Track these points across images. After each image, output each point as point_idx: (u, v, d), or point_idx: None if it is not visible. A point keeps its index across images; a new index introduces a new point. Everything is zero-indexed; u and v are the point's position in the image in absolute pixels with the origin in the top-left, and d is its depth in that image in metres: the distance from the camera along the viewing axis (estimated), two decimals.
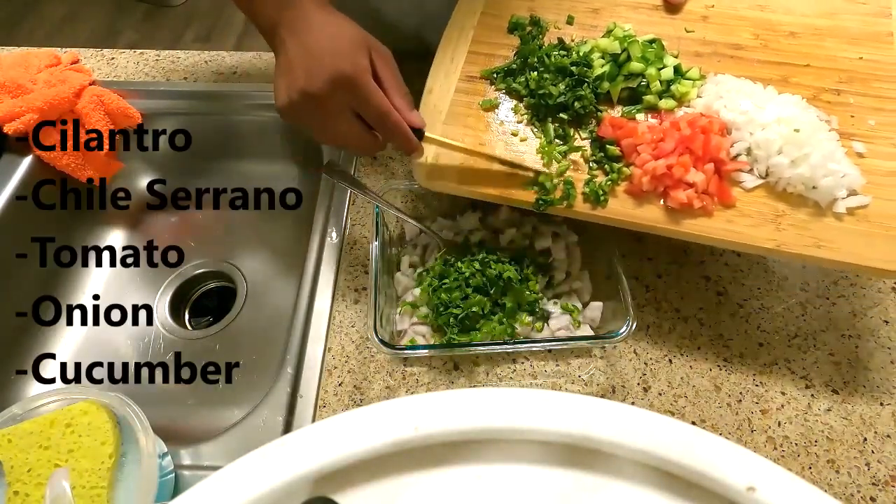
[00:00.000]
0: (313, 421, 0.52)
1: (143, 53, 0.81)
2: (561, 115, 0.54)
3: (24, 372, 0.66)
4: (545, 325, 0.54)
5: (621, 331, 0.49)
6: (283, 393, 0.52)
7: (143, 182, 0.81)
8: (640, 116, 0.53)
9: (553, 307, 0.55)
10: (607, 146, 0.52)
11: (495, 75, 0.57)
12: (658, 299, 0.57)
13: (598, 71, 0.54)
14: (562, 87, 0.54)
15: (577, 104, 0.53)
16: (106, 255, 0.76)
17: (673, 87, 0.53)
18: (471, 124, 0.54)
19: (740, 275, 0.59)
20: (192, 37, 2.20)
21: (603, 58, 0.55)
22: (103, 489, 0.42)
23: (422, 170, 0.54)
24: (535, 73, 0.55)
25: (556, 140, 0.53)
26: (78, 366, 0.67)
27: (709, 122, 0.50)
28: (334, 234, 0.63)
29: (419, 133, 0.50)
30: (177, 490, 0.48)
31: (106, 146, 0.69)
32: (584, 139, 0.53)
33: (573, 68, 0.54)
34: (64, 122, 0.68)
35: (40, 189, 0.69)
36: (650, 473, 0.24)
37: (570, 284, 0.57)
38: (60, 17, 2.26)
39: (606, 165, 0.51)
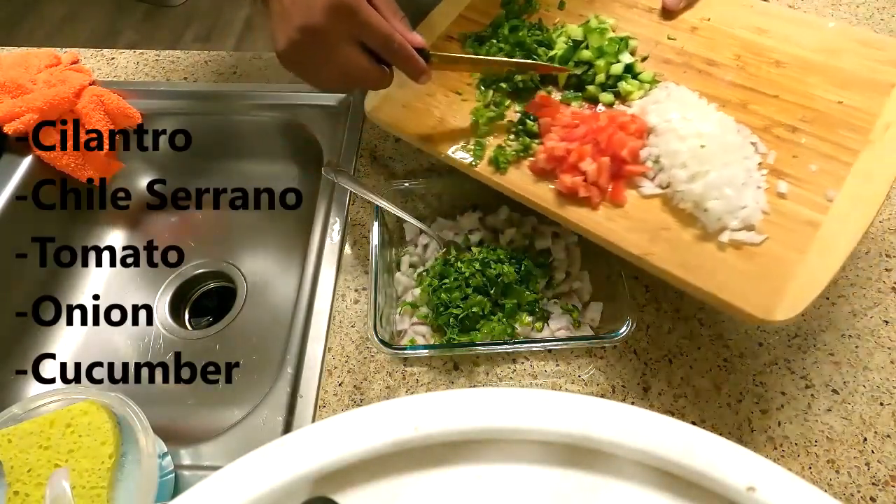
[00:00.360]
0: (313, 421, 0.52)
1: (143, 53, 0.81)
2: (502, 84, 0.56)
3: (24, 372, 0.66)
4: (545, 325, 0.54)
5: (621, 331, 0.49)
6: (283, 393, 0.52)
7: (143, 182, 0.81)
8: (575, 104, 0.54)
9: (553, 307, 0.55)
10: (528, 121, 0.53)
11: (467, 38, 0.60)
12: (658, 299, 0.57)
13: (553, 53, 0.56)
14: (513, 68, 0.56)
15: (517, 77, 0.55)
16: (106, 255, 0.76)
17: (619, 84, 0.54)
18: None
19: None
20: (192, 37, 2.20)
21: (566, 43, 0.56)
22: (103, 489, 0.42)
23: (373, 99, 0.58)
24: (496, 41, 0.57)
25: (492, 106, 0.55)
26: (78, 366, 0.67)
27: (629, 120, 0.49)
28: (334, 235, 0.63)
29: (424, 55, 0.50)
30: (177, 490, 0.48)
31: (106, 146, 0.69)
32: (517, 112, 0.55)
33: (531, 44, 0.56)
34: (64, 122, 0.68)
35: (40, 189, 0.69)
36: (650, 473, 0.24)
37: (570, 284, 0.57)
38: (60, 17, 2.26)
39: (521, 138, 0.52)
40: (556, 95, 0.55)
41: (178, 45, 2.15)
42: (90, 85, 0.70)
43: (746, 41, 0.54)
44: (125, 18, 2.25)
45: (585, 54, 0.55)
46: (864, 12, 0.83)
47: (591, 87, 0.54)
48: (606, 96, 0.54)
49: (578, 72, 0.55)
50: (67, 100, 0.67)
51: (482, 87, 0.57)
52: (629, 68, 0.54)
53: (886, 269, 0.59)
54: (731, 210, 0.45)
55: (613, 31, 0.57)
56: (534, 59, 0.56)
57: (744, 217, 0.45)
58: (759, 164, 0.47)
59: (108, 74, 0.79)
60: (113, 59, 0.81)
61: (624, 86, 0.53)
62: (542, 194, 0.50)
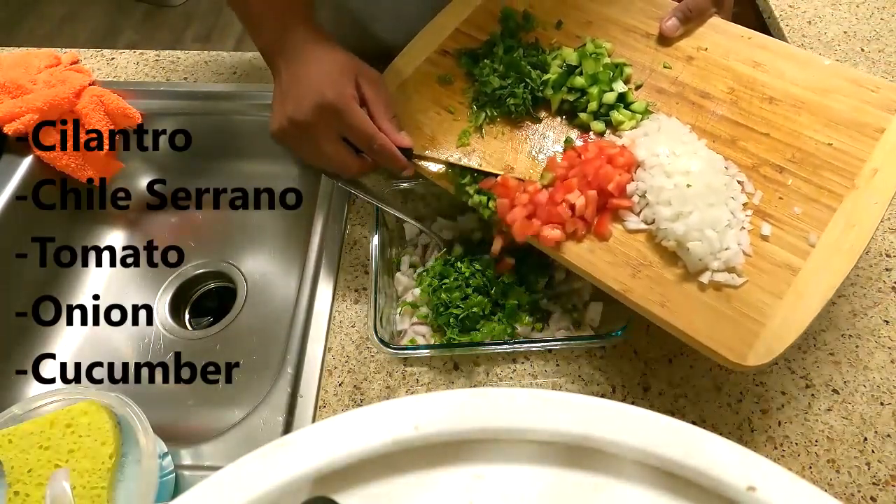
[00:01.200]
0: (313, 421, 0.52)
1: (143, 54, 0.81)
2: (488, 107, 0.55)
3: (24, 372, 0.66)
4: (545, 325, 0.54)
5: (621, 331, 0.49)
6: (284, 393, 0.52)
7: (143, 182, 0.81)
8: (573, 133, 0.54)
9: (553, 307, 0.55)
10: (487, 205, 0.52)
11: (462, 55, 0.59)
12: None
13: (547, 77, 0.55)
14: (504, 81, 0.55)
15: (510, 100, 0.54)
16: (106, 255, 0.76)
17: (611, 113, 0.52)
18: (420, 91, 0.57)
19: None
20: (191, 37, 2.20)
21: (561, 67, 0.55)
22: (103, 489, 0.42)
23: (395, 79, 0.58)
24: (489, 62, 0.56)
25: (486, 124, 0.55)
26: (78, 366, 0.67)
27: (617, 153, 0.48)
28: (334, 235, 0.63)
29: (408, 153, 0.52)
30: (177, 490, 0.48)
31: (106, 146, 0.69)
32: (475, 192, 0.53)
33: (524, 67, 0.55)
34: (64, 123, 0.68)
35: (40, 189, 0.69)
36: (650, 473, 0.24)
37: (570, 284, 0.57)
38: (60, 18, 2.26)
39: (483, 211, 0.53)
40: (548, 120, 0.55)
41: (178, 45, 2.15)
42: (90, 85, 0.70)
43: (741, 74, 0.53)
44: (125, 18, 2.25)
45: (579, 81, 0.54)
46: (864, 12, 0.83)
47: (582, 115, 0.53)
48: (598, 125, 0.53)
49: (571, 98, 0.54)
50: (67, 100, 0.67)
51: (474, 107, 0.56)
52: (622, 97, 0.53)
53: (886, 269, 0.59)
54: (712, 251, 0.45)
55: (609, 56, 0.56)
56: (525, 83, 0.54)
57: (726, 259, 0.45)
58: (745, 204, 0.47)
59: (108, 74, 0.79)
60: (113, 59, 0.81)
61: (616, 115, 0.52)
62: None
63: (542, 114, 0.55)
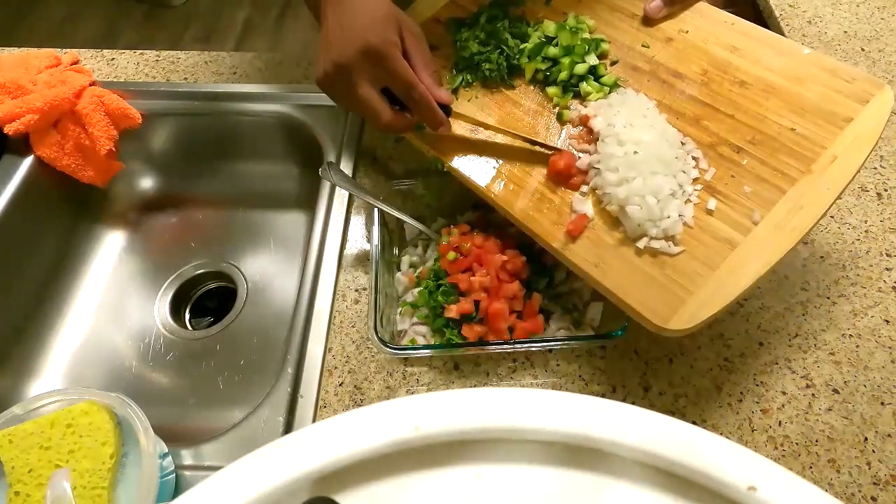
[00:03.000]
0: (314, 421, 0.52)
1: (144, 54, 0.81)
2: (466, 72, 0.58)
3: (25, 372, 0.66)
4: (545, 325, 0.54)
5: (621, 331, 0.49)
6: (284, 393, 0.52)
7: (144, 182, 0.81)
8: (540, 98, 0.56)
9: (553, 307, 0.55)
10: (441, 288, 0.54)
11: (451, 23, 0.61)
12: None
13: (524, 46, 0.57)
14: (482, 48, 0.57)
15: (485, 66, 0.57)
16: (106, 256, 0.76)
17: (580, 84, 0.55)
18: None
19: None
20: (191, 37, 2.20)
21: (540, 39, 0.57)
22: (104, 489, 0.42)
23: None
24: (473, 29, 0.59)
25: (462, 87, 0.58)
26: (78, 366, 0.67)
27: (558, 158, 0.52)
28: (335, 235, 0.63)
29: (447, 110, 0.53)
30: (177, 490, 0.48)
31: (106, 147, 0.69)
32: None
33: (503, 35, 0.57)
34: (64, 123, 0.68)
35: (41, 190, 0.69)
36: (651, 473, 0.24)
37: (570, 284, 0.57)
38: (60, 18, 2.26)
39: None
40: (521, 88, 0.58)
41: (179, 45, 2.15)
42: (90, 85, 0.70)
43: (716, 58, 0.54)
44: (125, 19, 2.25)
45: (552, 51, 0.56)
46: (864, 12, 0.83)
47: (550, 89, 0.56)
48: (565, 98, 0.55)
49: (544, 67, 0.56)
50: (68, 100, 0.67)
51: (454, 72, 0.59)
52: (593, 70, 0.55)
53: (887, 269, 0.59)
54: (651, 218, 0.46)
55: (591, 33, 0.58)
56: (501, 50, 0.57)
57: (665, 227, 0.46)
58: (696, 179, 0.48)
59: (109, 75, 0.79)
60: (113, 59, 0.81)
61: (584, 86, 0.55)
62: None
63: (517, 81, 0.58)
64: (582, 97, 0.55)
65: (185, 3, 2.30)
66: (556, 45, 0.56)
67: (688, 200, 0.47)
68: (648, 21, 0.57)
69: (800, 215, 0.45)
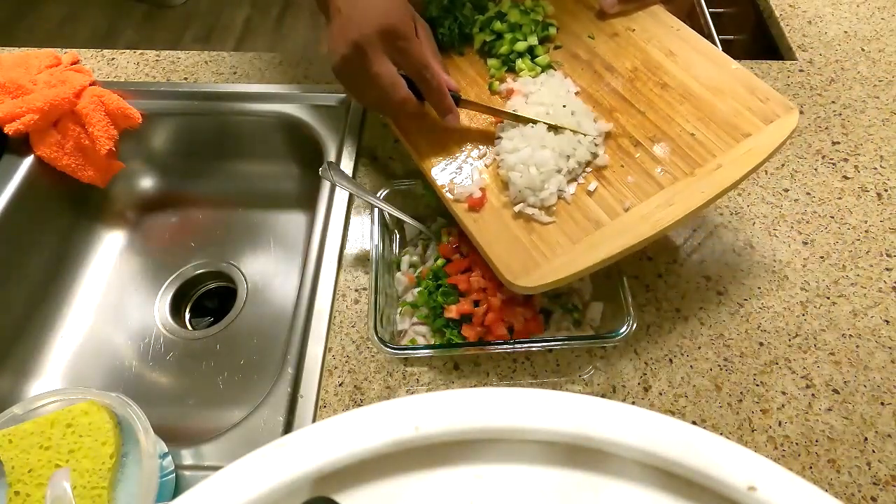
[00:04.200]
0: (314, 421, 0.52)
1: (144, 54, 0.81)
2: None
3: (25, 372, 0.66)
4: (545, 325, 0.54)
5: (621, 331, 0.49)
6: (284, 393, 0.52)
7: (144, 182, 0.81)
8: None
9: (553, 307, 0.55)
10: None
11: None
12: (658, 299, 0.57)
13: (477, 17, 0.61)
14: (441, 13, 0.61)
15: (439, 30, 0.60)
16: (106, 255, 0.76)
17: (517, 61, 0.59)
18: None
19: (741, 274, 0.59)
20: (191, 37, 2.20)
21: (495, 13, 0.61)
22: (104, 489, 0.42)
23: None
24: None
25: None
26: (78, 366, 0.67)
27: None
28: (335, 235, 0.63)
29: (455, 100, 0.54)
30: (177, 490, 0.48)
31: (106, 147, 0.69)
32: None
33: (459, 4, 0.61)
34: (64, 123, 0.68)
35: (41, 189, 0.69)
36: (650, 473, 0.24)
37: (570, 284, 0.57)
38: (60, 18, 2.26)
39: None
40: (469, 56, 0.61)
41: (179, 45, 2.15)
42: (90, 85, 0.70)
43: (650, 59, 0.57)
44: (125, 19, 2.25)
45: (499, 26, 0.60)
46: (864, 12, 0.83)
47: (490, 60, 0.60)
48: (500, 72, 0.59)
49: (489, 39, 0.60)
50: (68, 100, 0.67)
51: None
52: (532, 49, 0.59)
53: (887, 269, 0.59)
54: (530, 187, 0.50)
55: (546, 17, 0.61)
56: (459, 19, 0.60)
57: (542, 198, 0.50)
58: (588, 162, 0.53)
59: (109, 75, 0.79)
60: (113, 59, 0.81)
61: (520, 63, 0.59)
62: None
63: (467, 50, 0.62)
64: (515, 72, 0.59)
65: (185, 3, 2.30)
66: (505, 21, 0.60)
67: (573, 179, 0.52)
68: (602, 15, 0.60)
69: (667, 211, 0.48)
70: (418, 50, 0.51)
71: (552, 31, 0.61)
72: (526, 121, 0.54)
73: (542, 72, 0.58)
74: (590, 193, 0.51)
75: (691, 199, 0.48)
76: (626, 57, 0.57)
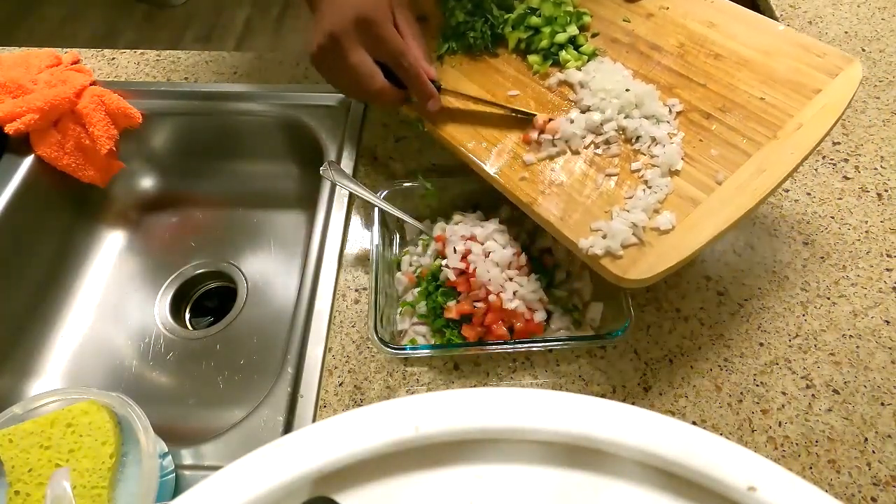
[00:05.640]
0: (314, 421, 0.52)
1: (144, 53, 0.81)
2: (452, 40, 0.60)
3: (25, 371, 0.66)
4: (545, 325, 0.54)
5: (621, 331, 0.49)
6: (284, 393, 0.52)
7: (144, 182, 0.81)
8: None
9: (553, 307, 0.55)
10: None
11: None
12: (658, 299, 0.57)
13: (508, 16, 0.60)
14: (468, 17, 0.60)
15: (470, 34, 0.59)
16: (106, 255, 0.76)
17: (560, 52, 0.58)
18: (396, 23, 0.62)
19: (741, 274, 0.59)
20: (192, 37, 2.20)
21: (525, 10, 0.60)
22: (104, 489, 0.42)
23: None
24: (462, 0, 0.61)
25: (447, 55, 0.61)
26: (78, 366, 0.67)
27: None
28: (335, 234, 0.63)
29: (437, 87, 0.54)
30: (177, 490, 0.48)
31: (107, 146, 0.69)
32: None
33: (488, 4, 0.60)
34: (65, 123, 0.68)
35: (41, 189, 0.69)
36: (651, 473, 0.24)
37: (570, 284, 0.57)
38: (60, 18, 2.26)
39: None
40: (504, 56, 0.60)
41: (179, 45, 2.15)
42: (91, 85, 0.70)
43: (693, 32, 0.56)
44: (125, 19, 2.25)
45: (534, 20, 0.59)
46: (864, 12, 0.83)
47: (531, 57, 0.58)
48: (544, 66, 0.57)
49: (525, 36, 0.59)
50: (68, 100, 0.67)
51: (441, 40, 0.62)
52: (573, 40, 0.58)
53: (887, 269, 0.59)
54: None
55: (575, 7, 0.60)
56: (489, 20, 0.59)
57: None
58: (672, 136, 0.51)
59: (109, 74, 0.79)
60: (113, 59, 0.81)
61: (564, 54, 0.57)
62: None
63: (500, 50, 0.61)
64: (561, 65, 0.57)
65: (185, 3, 2.30)
66: (539, 15, 0.59)
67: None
68: None
69: (762, 177, 0.46)
70: (393, 37, 0.51)
71: (587, 19, 0.60)
72: (509, 110, 0.54)
73: (589, 60, 0.57)
74: (677, 173, 0.48)
75: (783, 162, 0.46)
76: (669, 34, 0.57)
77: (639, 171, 0.50)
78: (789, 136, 0.48)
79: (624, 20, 0.59)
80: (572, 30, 0.58)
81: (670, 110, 0.52)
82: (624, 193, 0.49)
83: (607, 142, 0.52)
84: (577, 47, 0.58)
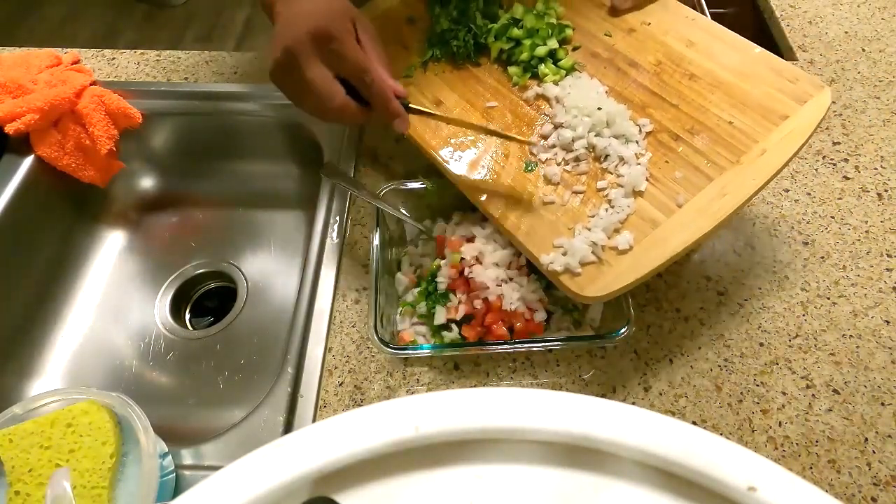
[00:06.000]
0: (314, 421, 0.52)
1: (144, 54, 0.81)
2: (437, 47, 0.61)
3: (25, 371, 0.66)
4: (545, 325, 0.54)
5: (621, 331, 0.49)
6: (284, 393, 0.52)
7: (144, 182, 0.81)
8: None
9: (553, 307, 0.55)
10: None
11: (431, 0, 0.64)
12: (658, 299, 0.57)
13: (491, 26, 0.60)
14: (453, 25, 0.60)
15: (454, 42, 0.60)
16: (106, 255, 0.76)
17: (539, 66, 0.58)
18: (387, 27, 0.63)
19: (741, 274, 0.59)
20: (192, 37, 2.20)
21: (508, 21, 0.60)
22: (104, 489, 0.42)
23: (369, 14, 0.62)
24: (447, 6, 0.61)
25: (431, 62, 0.61)
26: (78, 366, 0.67)
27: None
28: (335, 235, 0.63)
29: (403, 105, 0.51)
30: (177, 490, 0.48)
31: (107, 146, 0.69)
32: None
33: (472, 13, 0.60)
34: (65, 123, 0.68)
35: (41, 189, 0.69)
36: (651, 473, 0.24)
37: None
38: (61, 18, 2.26)
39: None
40: (486, 66, 0.61)
41: (179, 45, 2.15)
42: (91, 85, 0.70)
43: (672, 50, 0.56)
44: (125, 19, 2.25)
45: (516, 32, 0.59)
46: (864, 12, 0.83)
47: (511, 68, 0.59)
48: (523, 78, 0.58)
49: (507, 47, 0.59)
50: (68, 100, 0.67)
51: (426, 46, 0.62)
52: (553, 53, 0.58)
53: (887, 269, 0.59)
54: None
55: (559, 19, 0.61)
56: (469, 28, 0.60)
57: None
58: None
59: (109, 74, 0.79)
60: (114, 59, 0.81)
61: (542, 68, 0.58)
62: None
63: (483, 60, 0.61)
64: (540, 78, 0.58)
65: (185, 3, 2.30)
66: (521, 27, 0.59)
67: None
68: (615, 11, 0.60)
69: (722, 201, 0.47)
70: (353, 51, 0.48)
71: (569, 32, 0.60)
72: (480, 130, 0.53)
73: (567, 74, 0.57)
74: (640, 194, 0.49)
75: (744, 186, 0.47)
76: (648, 51, 0.57)
77: (604, 189, 0.50)
78: (752, 161, 0.48)
79: (606, 34, 0.59)
80: (552, 43, 0.58)
81: (640, 130, 0.53)
82: (588, 211, 0.50)
83: (577, 159, 0.52)
84: (556, 61, 0.58)
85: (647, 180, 0.50)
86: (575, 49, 0.60)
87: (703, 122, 0.51)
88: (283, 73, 0.49)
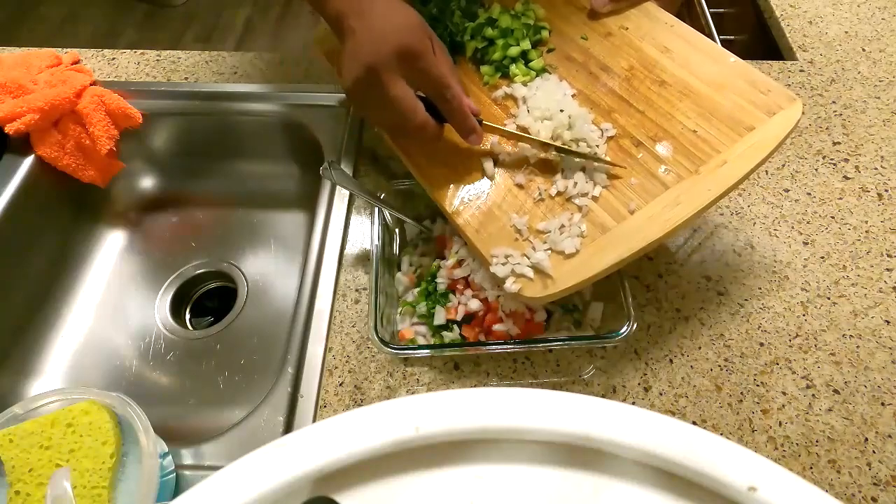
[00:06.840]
0: (314, 421, 0.52)
1: (144, 53, 0.81)
2: None
3: (25, 371, 0.66)
4: (545, 325, 0.54)
5: (621, 331, 0.49)
6: (284, 393, 0.52)
7: (144, 182, 0.81)
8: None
9: (553, 307, 0.55)
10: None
11: None
12: (658, 299, 0.57)
13: (468, 25, 0.60)
14: (432, 23, 0.58)
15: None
16: (106, 255, 0.76)
17: (511, 66, 0.58)
18: None
19: (741, 274, 0.59)
20: (192, 37, 2.20)
21: (484, 20, 0.60)
22: (104, 489, 0.42)
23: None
24: (428, 5, 0.61)
25: None
26: (78, 366, 0.67)
27: None
28: (335, 234, 0.63)
29: (477, 120, 0.52)
30: (178, 490, 0.48)
31: (107, 146, 0.69)
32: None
33: (450, 11, 0.60)
34: (65, 123, 0.68)
35: (41, 189, 0.70)
36: (651, 473, 0.24)
37: None
38: (61, 18, 2.26)
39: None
40: (462, 64, 0.61)
41: (179, 45, 2.15)
42: (91, 85, 0.70)
43: (646, 56, 0.56)
44: (125, 19, 2.25)
45: (490, 32, 0.59)
46: (864, 12, 0.83)
47: (483, 67, 0.59)
48: (494, 78, 0.58)
49: (481, 46, 0.59)
50: (68, 100, 0.67)
51: None
52: (525, 54, 0.58)
53: (887, 269, 0.59)
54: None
55: (537, 21, 0.60)
56: (449, 28, 0.59)
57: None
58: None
59: (109, 74, 0.79)
60: (114, 59, 0.81)
61: (513, 68, 0.58)
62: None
63: (459, 58, 0.61)
64: (510, 78, 0.58)
65: (185, 2, 2.30)
66: (496, 27, 0.59)
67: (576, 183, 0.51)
68: (594, 15, 0.60)
69: (674, 210, 0.47)
70: (437, 70, 0.48)
71: (544, 34, 0.60)
72: (547, 147, 0.52)
73: (537, 76, 0.57)
74: (595, 198, 0.49)
75: (698, 197, 0.47)
76: (622, 56, 0.56)
77: (562, 193, 0.50)
78: (711, 171, 0.48)
79: (582, 37, 0.59)
80: (525, 44, 0.58)
81: (602, 134, 0.52)
82: (541, 214, 0.50)
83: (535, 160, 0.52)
84: (527, 62, 0.58)
85: (601, 186, 0.50)
86: (550, 51, 0.59)
87: (667, 130, 0.51)
88: (364, 90, 0.49)
